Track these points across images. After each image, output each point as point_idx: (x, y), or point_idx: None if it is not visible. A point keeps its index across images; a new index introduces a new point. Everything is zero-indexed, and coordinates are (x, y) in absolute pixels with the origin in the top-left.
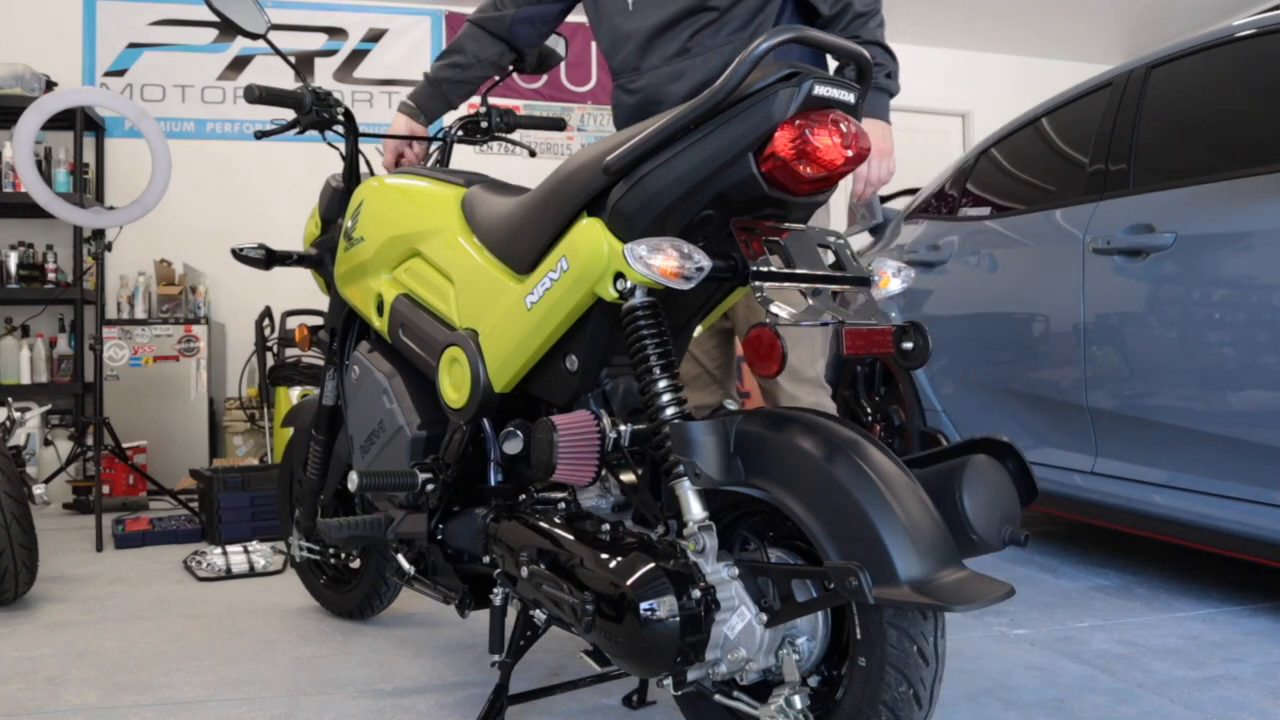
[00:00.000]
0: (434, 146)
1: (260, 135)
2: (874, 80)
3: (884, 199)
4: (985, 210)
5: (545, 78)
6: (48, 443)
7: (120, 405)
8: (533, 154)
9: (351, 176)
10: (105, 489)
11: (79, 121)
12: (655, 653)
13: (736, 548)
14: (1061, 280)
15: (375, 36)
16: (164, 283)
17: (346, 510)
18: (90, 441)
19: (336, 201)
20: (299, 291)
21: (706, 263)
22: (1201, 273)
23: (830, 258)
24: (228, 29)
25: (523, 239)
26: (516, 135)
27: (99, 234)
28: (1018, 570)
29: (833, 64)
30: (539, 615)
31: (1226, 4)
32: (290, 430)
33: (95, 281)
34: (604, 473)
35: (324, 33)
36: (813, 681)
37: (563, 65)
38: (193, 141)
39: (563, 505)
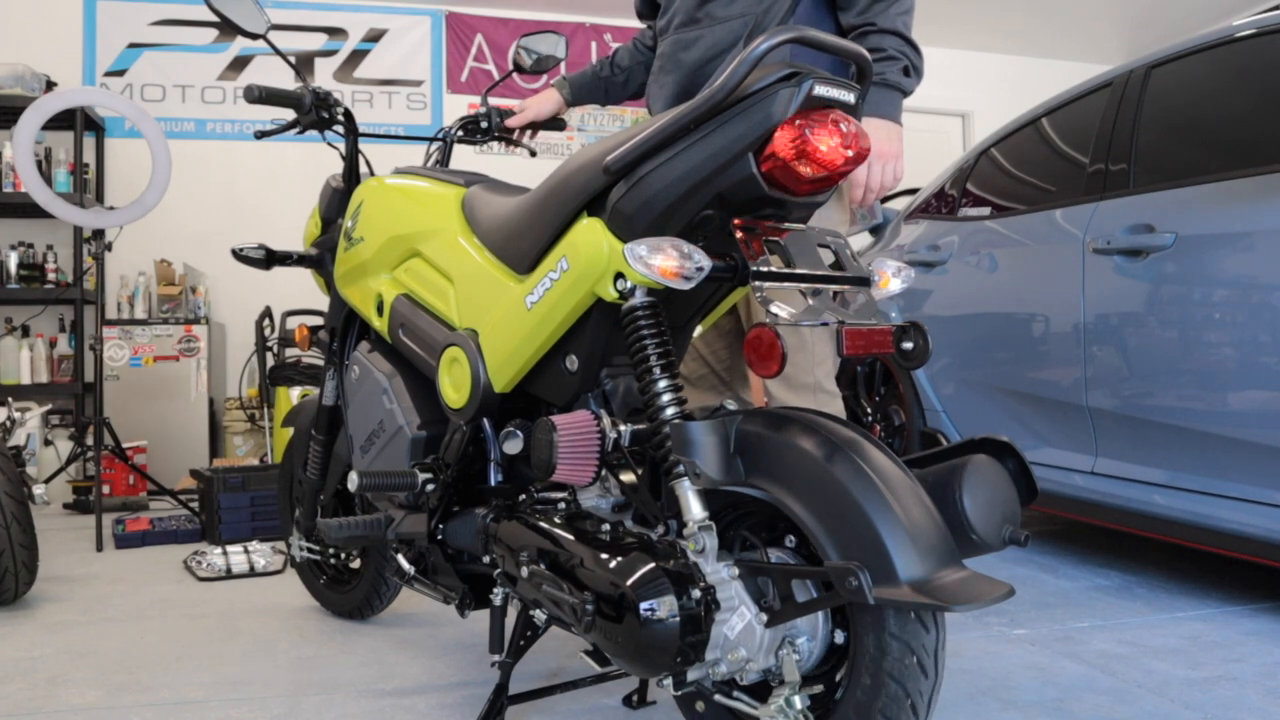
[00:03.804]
0: (434, 146)
1: (260, 135)
2: (885, 75)
3: (884, 199)
4: (985, 210)
5: (545, 78)
6: (48, 443)
7: (120, 405)
8: (533, 154)
9: (351, 176)
10: (105, 489)
11: (79, 121)
12: (655, 653)
13: (736, 548)
14: (1061, 280)
15: (375, 36)
16: (164, 283)
17: (346, 510)
18: (90, 441)
19: (336, 201)
20: (299, 291)
21: (706, 263)
22: (1201, 273)
23: (830, 258)
24: (228, 29)
25: (523, 239)
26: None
27: (99, 234)
28: (1018, 570)
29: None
30: (539, 615)
31: (1226, 4)
32: (290, 430)
33: (95, 281)
34: (604, 473)
35: (324, 33)
36: (812, 682)
37: (562, 66)
38: (193, 141)
39: (563, 505)
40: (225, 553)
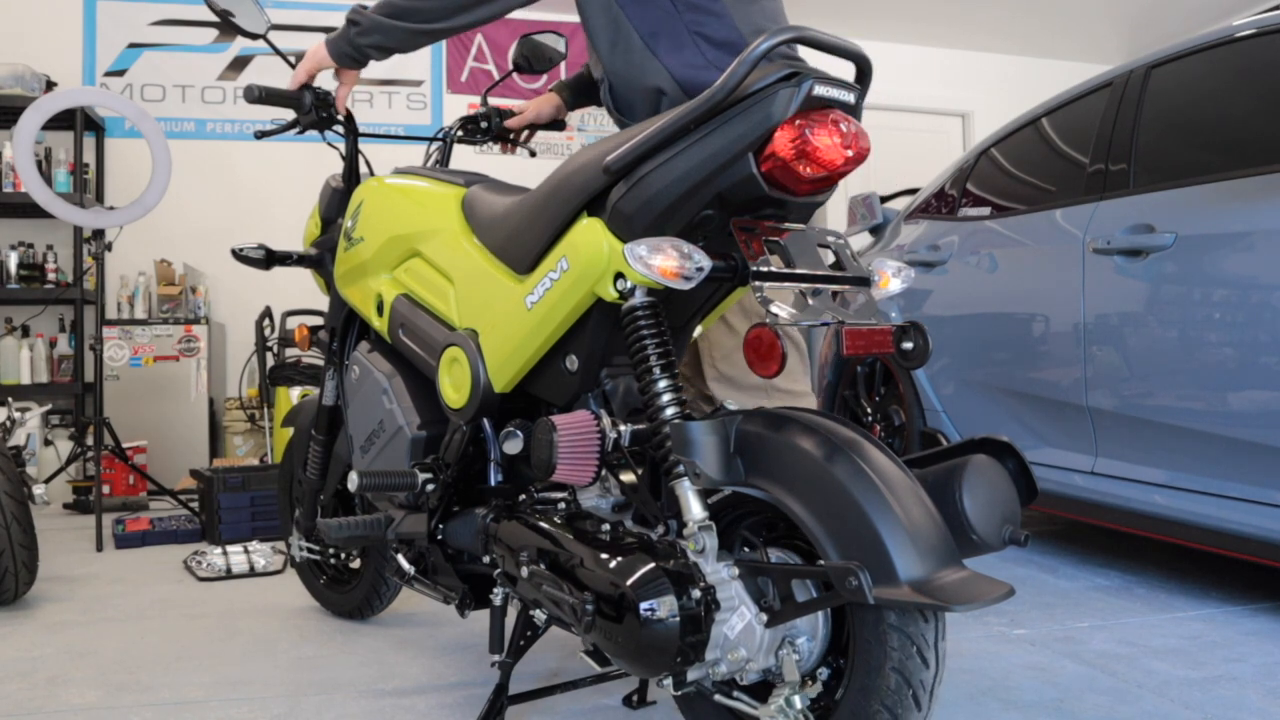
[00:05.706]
0: (434, 146)
1: (260, 135)
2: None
3: (884, 199)
4: (985, 210)
5: (545, 77)
6: (48, 443)
7: (120, 405)
8: (533, 154)
9: (351, 176)
10: (105, 489)
11: (79, 121)
12: (655, 653)
13: (736, 548)
14: (1061, 280)
15: None
16: (164, 283)
17: (346, 510)
18: (90, 441)
19: (336, 201)
20: (299, 291)
21: (706, 263)
22: (1201, 273)
23: (830, 258)
24: (228, 29)
25: (523, 239)
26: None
27: (99, 234)
28: (1018, 570)
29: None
30: (539, 615)
31: (1226, 4)
32: (290, 430)
33: (95, 281)
34: (604, 473)
35: (324, 33)
36: (812, 681)
37: (562, 65)
38: (193, 141)
39: (563, 505)
40: (225, 553)
